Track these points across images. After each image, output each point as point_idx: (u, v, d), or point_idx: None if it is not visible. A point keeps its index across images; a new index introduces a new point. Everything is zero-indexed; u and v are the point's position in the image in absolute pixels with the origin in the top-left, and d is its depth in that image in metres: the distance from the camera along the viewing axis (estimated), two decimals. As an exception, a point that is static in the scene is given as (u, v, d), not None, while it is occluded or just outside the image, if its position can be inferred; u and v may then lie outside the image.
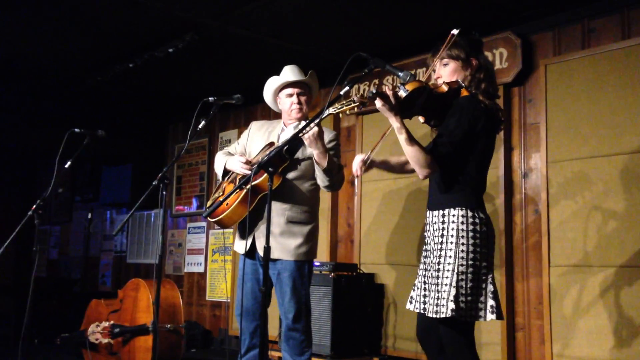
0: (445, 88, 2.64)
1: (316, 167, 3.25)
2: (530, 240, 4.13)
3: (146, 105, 6.93)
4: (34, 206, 3.45)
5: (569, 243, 3.88)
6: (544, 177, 4.04)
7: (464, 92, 2.66)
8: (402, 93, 2.50)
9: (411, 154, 2.54)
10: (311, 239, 3.42)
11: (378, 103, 2.51)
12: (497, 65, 4.26)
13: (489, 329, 4.11)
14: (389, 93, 2.50)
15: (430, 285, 2.60)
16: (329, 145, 3.38)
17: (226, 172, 3.53)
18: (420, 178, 2.61)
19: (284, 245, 3.34)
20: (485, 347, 4.15)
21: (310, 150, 3.25)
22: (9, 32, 4.77)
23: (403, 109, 2.57)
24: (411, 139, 2.53)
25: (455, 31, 2.63)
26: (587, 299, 3.77)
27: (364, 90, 5.14)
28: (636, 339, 3.55)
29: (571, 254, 3.87)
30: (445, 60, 2.71)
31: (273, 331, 4.54)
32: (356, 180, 5.18)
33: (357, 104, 2.67)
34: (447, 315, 2.47)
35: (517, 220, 4.21)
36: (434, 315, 2.52)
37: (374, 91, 2.49)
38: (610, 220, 3.73)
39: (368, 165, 2.84)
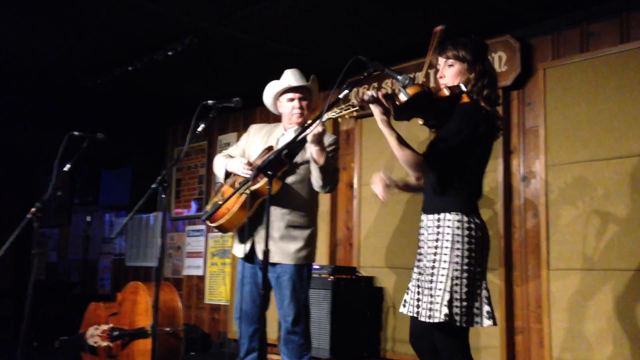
0: (446, 92, 2.62)
1: (312, 165, 3.24)
2: (530, 243, 4.13)
3: (145, 108, 6.94)
4: (33, 209, 3.43)
5: (569, 246, 3.88)
6: (543, 181, 4.04)
7: (465, 98, 2.64)
8: (403, 97, 2.50)
9: (402, 157, 2.54)
10: (311, 243, 3.42)
11: (374, 108, 2.51)
12: (496, 69, 4.27)
13: (487, 333, 4.11)
14: (384, 102, 2.50)
15: (423, 289, 2.59)
16: (328, 149, 3.38)
17: (227, 174, 3.53)
18: (414, 179, 2.61)
19: (283, 249, 3.34)
20: (485, 350, 4.15)
21: (310, 152, 3.25)
22: (8, 34, 4.77)
23: (402, 111, 2.57)
24: (401, 142, 2.54)
25: (439, 28, 2.64)
26: (586, 303, 3.77)
27: (364, 92, 5.14)
28: (636, 343, 3.55)
29: (570, 257, 3.87)
30: (450, 61, 2.66)
31: (272, 334, 4.54)
32: (355, 184, 5.18)
33: (357, 108, 2.66)
34: (441, 320, 2.46)
35: (517, 223, 4.21)
36: (427, 320, 2.51)
37: (374, 95, 2.49)
38: (609, 224, 3.73)
39: (390, 184, 2.86)
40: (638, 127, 3.68)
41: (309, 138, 3.10)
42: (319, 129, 3.03)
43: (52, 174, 3.51)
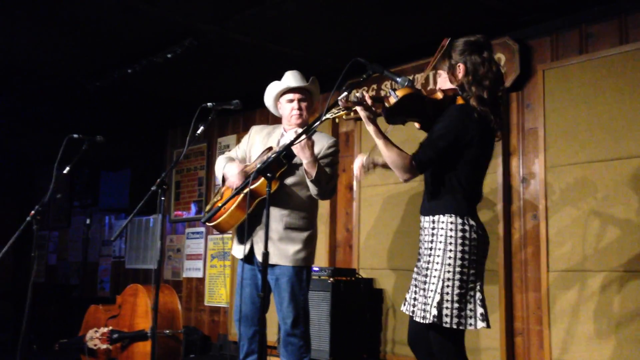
0: (440, 95, 2.63)
1: (306, 177, 3.24)
2: (529, 245, 4.13)
3: (145, 110, 6.94)
4: (33, 212, 3.44)
5: (568, 248, 3.88)
6: (543, 182, 4.04)
7: (460, 100, 2.63)
8: (393, 99, 2.51)
9: (389, 159, 2.55)
10: (310, 245, 3.42)
11: (360, 111, 2.52)
12: (495, 71, 4.27)
13: (487, 334, 4.11)
14: (369, 103, 2.51)
15: (419, 289, 2.61)
16: (327, 152, 3.38)
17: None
18: (401, 181, 2.62)
19: (282, 250, 3.34)
20: (484, 352, 4.15)
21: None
22: (8, 38, 4.78)
23: (393, 114, 2.57)
24: (388, 144, 2.55)
25: (446, 41, 2.64)
26: (586, 304, 3.77)
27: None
28: (635, 344, 3.54)
29: (570, 258, 3.87)
30: (438, 72, 2.73)
31: (272, 337, 4.54)
32: (355, 184, 5.18)
33: (344, 111, 2.66)
34: (430, 321, 2.48)
35: (516, 225, 4.21)
36: (421, 320, 2.54)
37: (360, 96, 2.50)
38: (609, 225, 3.73)
39: (368, 166, 2.84)
40: (637, 129, 3.68)
41: (295, 151, 3.10)
42: (303, 143, 3.04)
43: (52, 177, 3.52)
